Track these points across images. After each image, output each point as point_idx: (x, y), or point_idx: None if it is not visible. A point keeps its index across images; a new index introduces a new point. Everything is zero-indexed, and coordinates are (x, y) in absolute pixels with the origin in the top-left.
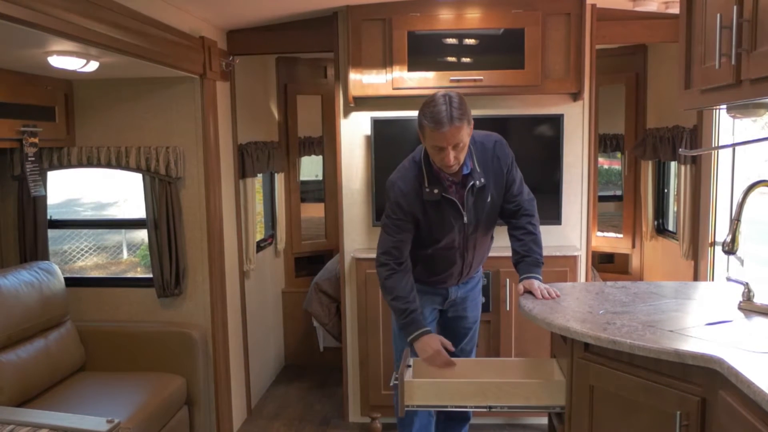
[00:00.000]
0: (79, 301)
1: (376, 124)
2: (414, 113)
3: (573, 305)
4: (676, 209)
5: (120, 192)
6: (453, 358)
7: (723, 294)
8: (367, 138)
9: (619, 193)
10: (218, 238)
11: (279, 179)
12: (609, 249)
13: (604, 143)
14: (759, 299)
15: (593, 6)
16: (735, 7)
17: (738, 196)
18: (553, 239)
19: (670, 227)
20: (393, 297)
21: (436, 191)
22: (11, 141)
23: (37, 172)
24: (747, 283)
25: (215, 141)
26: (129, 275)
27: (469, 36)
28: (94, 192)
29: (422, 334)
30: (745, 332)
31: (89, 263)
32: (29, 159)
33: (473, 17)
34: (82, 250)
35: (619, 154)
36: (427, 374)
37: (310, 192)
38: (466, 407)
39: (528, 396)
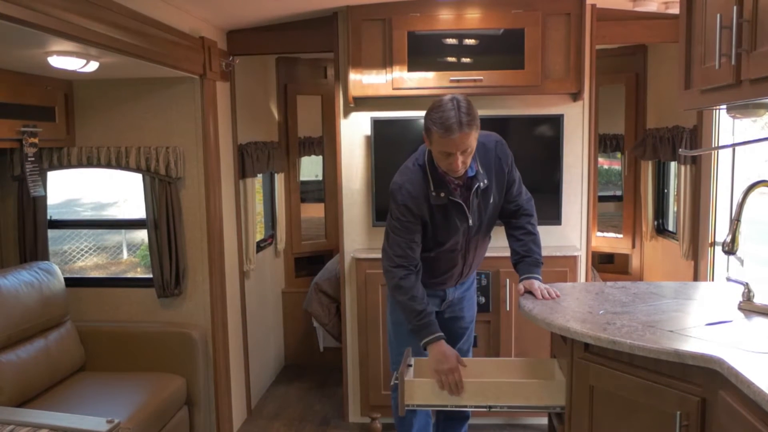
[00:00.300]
0: (79, 302)
1: (376, 124)
2: (414, 113)
3: (573, 305)
4: (676, 209)
5: (120, 192)
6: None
7: (723, 294)
8: (367, 138)
9: (619, 193)
10: (218, 239)
11: (279, 179)
12: (609, 249)
13: (604, 143)
14: (759, 299)
15: (593, 6)
16: (735, 7)
17: (738, 196)
18: (553, 239)
19: (670, 227)
20: (410, 297)
21: (442, 195)
22: (11, 141)
23: (37, 173)
24: (747, 284)
25: (215, 141)
26: (129, 275)
27: (469, 36)
28: (94, 192)
29: (438, 339)
30: (745, 332)
31: (89, 263)
32: (29, 159)
33: (473, 17)
34: (82, 250)
35: (619, 154)
36: (428, 374)
37: (310, 192)
38: (465, 407)
39: (528, 396)
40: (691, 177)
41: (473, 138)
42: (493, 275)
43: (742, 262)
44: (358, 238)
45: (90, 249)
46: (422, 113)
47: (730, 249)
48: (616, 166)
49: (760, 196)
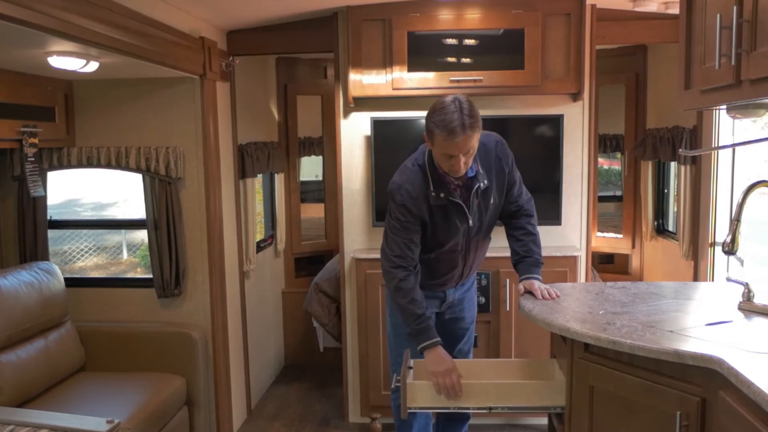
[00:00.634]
0: (79, 302)
1: (376, 124)
2: (414, 113)
3: (573, 305)
4: (676, 209)
5: (120, 192)
6: (462, 383)
7: (723, 294)
8: (367, 138)
9: (619, 193)
10: (218, 239)
11: (279, 179)
12: (609, 249)
13: (604, 143)
14: (759, 299)
15: (593, 6)
16: (735, 8)
17: (738, 197)
18: (553, 239)
19: (670, 227)
20: (409, 300)
21: (442, 195)
22: (11, 141)
23: (36, 173)
24: (747, 284)
25: (215, 141)
26: (129, 275)
27: (469, 36)
28: (94, 192)
29: (436, 344)
30: (745, 332)
31: (89, 263)
32: (29, 159)
33: (473, 17)
34: (82, 250)
35: (619, 155)
36: (427, 376)
37: (310, 192)
38: (466, 408)
39: (528, 396)
40: (691, 177)
41: (476, 139)
42: (493, 275)
43: (742, 262)
44: (358, 238)
45: (90, 249)
46: (422, 113)
47: (730, 249)
48: (616, 166)
49: (760, 196)
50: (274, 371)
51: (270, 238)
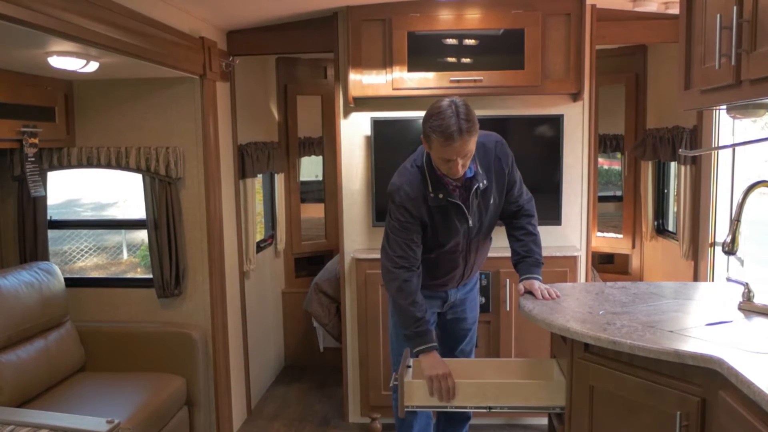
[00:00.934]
0: (79, 302)
1: (376, 124)
2: (414, 114)
3: (573, 306)
4: (676, 209)
5: (120, 192)
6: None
7: (723, 294)
8: (367, 138)
9: (619, 193)
10: (218, 239)
11: (279, 179)
12: (609, 249)
13: (604, 143)
14: (759, 299)
15: (593, 6)
16: (735, 8)
17: (738, 197)
18: (553, 239)
19: (670, 227)
20: (411, 302)
21: (441, 196)
22: (11, 141)
23: (37, 173)
24: (747, 284)
25: (215, 141)
26: (129, 276)
27: (469, 36)
28: (94, 192)
29: (432, 349)
30: (745, 332)
31: (89, 264)
32: (29, 159)
33: (473, 18)
34: (82, 250)
35: (619, 155)
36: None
37: (310, 192)
38: (465, 408)
39: (528, 396)
40: (691, 177)
41: (473, 142)
42: (493, 275)
43: (742, 262)
44: (358, 238)
45: (90, 249)
46: (422, 113)
47: (730, 249)
48: (616, 166)
49: (760, 196)
50: (274, 371)
51: (270, 238)
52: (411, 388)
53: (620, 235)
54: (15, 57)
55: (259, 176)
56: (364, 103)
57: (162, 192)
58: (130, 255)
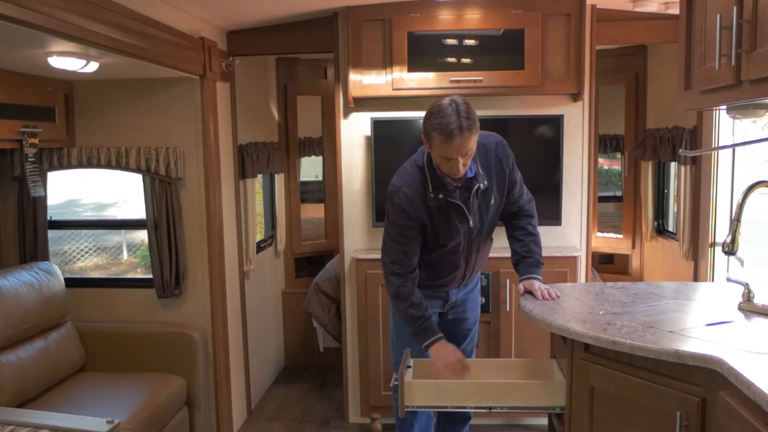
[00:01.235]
0: (79, 302)
1: (376, 124)
2: (414, 114)
3: (573, 306)
4: (676, 210)
5: (120, 192)
6: (467, 361)
7: (723, 294)
8: (367, 138)
9: (619, 193)
10: (218, 239)
11: (279, 180)
12: (609, 250)
13: (604, 144)
14: (759, 300)
15: (593, 7)
16: (735, 8)
17: (738, 197)
18: (553, 240)
19: (670, 228)
20: (409, 305)
21: (441, 196)
22: (11, 142)
23: (37, 173)
24: (747, 284)
25: (215, 142)
26: (129, 276)
27: (469, 37)
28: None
29: (438, 340)
30: (745, 333)
31: (89, 264)
32: (29, 159)
33: (473, 18)
34: (82, 250)
35: (619, 155)
36: (427, 375)
37: (310, 192)
38: (465, 408)
39: (528, 397)
40: (691, 177)
41: (473, 141)
42: (494, 276)
43: (742, 262)
44: (358, 238)
45: (90, 249)
46: (422, 113)
47: (730, 249)
48: (616, 166)
49: (760, 196)
50: (274, 371)
51: (270, 238)
52: (411, 388)
53: (620, 236)
54: (15, 57)
55: (259, 176)
56: (364, 103)
57: (162, 192)
58: (130, 255)
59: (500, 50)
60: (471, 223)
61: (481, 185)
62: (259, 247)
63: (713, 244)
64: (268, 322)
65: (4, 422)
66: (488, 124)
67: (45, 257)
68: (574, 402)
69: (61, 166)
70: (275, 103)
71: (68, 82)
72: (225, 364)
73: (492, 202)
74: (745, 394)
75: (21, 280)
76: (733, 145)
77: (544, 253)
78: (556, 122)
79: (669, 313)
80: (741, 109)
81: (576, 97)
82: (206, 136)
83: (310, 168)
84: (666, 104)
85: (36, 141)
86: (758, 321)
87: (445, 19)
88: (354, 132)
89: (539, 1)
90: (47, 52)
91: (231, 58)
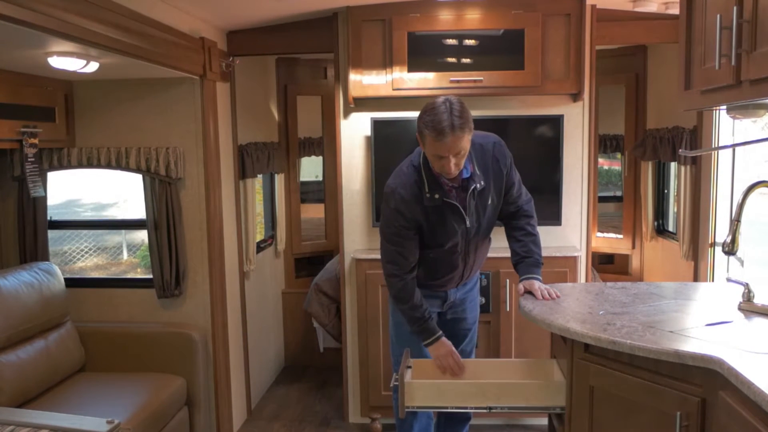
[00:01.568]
0: (79, 302)
1: (376, 124)
2: (414, 114)
3: (573, 306)
4: (676, 210)
5: (120, 193)
6: (463, 361)
7: (723, 295)
8: (367, 139)
9: (619, 193)
10: (218, 239)
11: (279, 180)
12: (609, 250)
13: (604, 144)
14: (759, 300)
15: (593, 7)
16: (735, 8)
17: (738, 197)
18: (553, 240)
19: (670, 228)
20: (409, 306)
21: (437, 196)
22: (11, 142)
23: (37, 173)
24: (747, 284)
25: (215, 142)
26: (129, 276)
27: (469, 37)
28: (94, 193)
29: (437, 339)
30: (745, 333)
31: (89, 264)
32: (29, 160)
33: (473, 18)
34: (82, 250)
35: (619, 155)
36: (428, 375)
37: (310, 193)
38: (466, 408)
39: (528, 397)
40: (691, 177)
41: (466, 140)
42: (494, 276)
43: (742, 262)
44: (358, 238)
45: (90, 249)
46: None
47: (730, 249)
48: (616, 166)
49: (760, 196)
50: (274, 371)
51: (270, 238)
52: (411, 388)
53: (620, 236)
54: (15, 57)
55: (259, 176)
56: (364, 103)
57: (162, 192)
58: (130, 255)
59: (500, 50)
60: (468, 223)
61: (478, 185)
62: (259, 247)
63: (713, 244)
64: (268, 322)
65: (4, 422)
66: (488, 124)
67: (45, 257)
68: (574, 402)
69: (61, 166)
70: (275, 103)
71: (68, 82)
72: (225, 364)
73: (489, 202)
74: (745, 394)
75: (21, 280)
76: (733, 145)
77: (544, 253)
78: (556, 122)
79: (669, 313)
80: (741, 109)
81: (576, 97)
82: (206, 136)
83: (310, 168)
84: (666, 104)
85: (36, 141)
86: (758, 321)
87: (445, 19)
88: (354, 132)
89: (539, 1)
90: (47, 52)
91: (231, 58)
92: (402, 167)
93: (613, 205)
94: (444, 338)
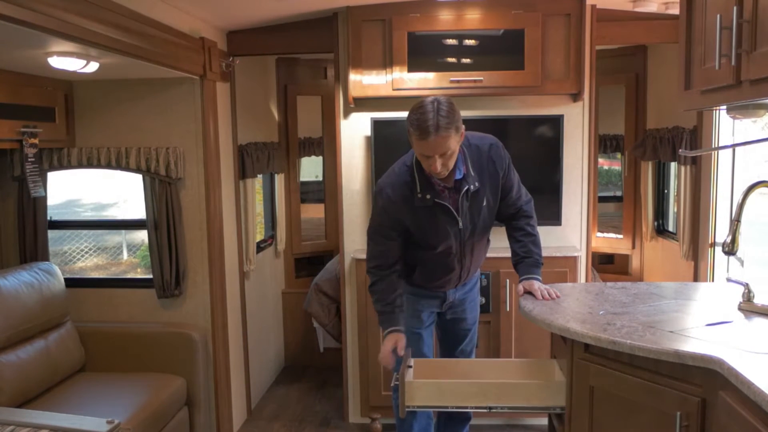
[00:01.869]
0: (79, 302)
1: (376, 124)
2: None
3: (573, 306)
4: (676, 210)
5: (120, 193)
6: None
7: (723, 295)
8: (367, 139)
9: (619, 193)
10: (218, 239)
11: (279, 180)
12: (609, 250)
13: (604, 144)
14: (759, 300)
15: (593, 7)
16: (735, 8)
17: (738, 197)
18: (553, 240)
19: (670, 228)
20: (375, 300)
21: (428, 197)
22: (11, 142)
23: (37, 173)
24: (747, 284)
25: (215, 142)
26: (129, 276)
27: (469, 37)
28: (94, 193)
29: (391, 332)
30: (745, 333)
31: (89, 264)
32: (29, 160)
33: (473, 18)
34: (82, 250)
35: (619, 155)
36: (429, 375)
37: (310, 192)
38: (466, 408)
39: (528, 397)
40: (691, 177)
41: (452, 141)
42: (493, 276)
43: (742, 262)
44: (358, 238)
45: (90, 249)
46: None
47: (730, 249)
48: (616, 166)
49: (760, 196)
50: (274, 371)
51: (270, 238)
52: (412, 388)
53: (620, 236)
54: (15, 57)
55: (259, 176)
56: (364, 103)
57: (162, 192)
58: (130, 255)
59: (500, 50)
60: (461, 224)
61: (471, 187)
62: (259, 247)
63: (713, 244)
64: (268, 322)
65: (4, 422)
66: (488, 124)
67: (45, 257)
68: (574, 402)
69: (61, 166)
70: (275, 103)
71: (68, 82)
72: (225, 364)
73: (484, 204)
74: (745, 394)
75: (21, 280)
76: (733, 145)
77: (544, 253)
78: (556, 122)
79: (669, 313)
80: (741, 109)
81: (576, 97)
82: (206, 136)
83: (310, 168)
84: (666, 104)
85: (36, 141)
86: (758, 321)
87: (445, 19)
88: (354, 132)
89: (539, 1)
90: (47, 52)
91: (231, 58)
92: (395, 167)
93: (613, 205)
94: (394, 334)
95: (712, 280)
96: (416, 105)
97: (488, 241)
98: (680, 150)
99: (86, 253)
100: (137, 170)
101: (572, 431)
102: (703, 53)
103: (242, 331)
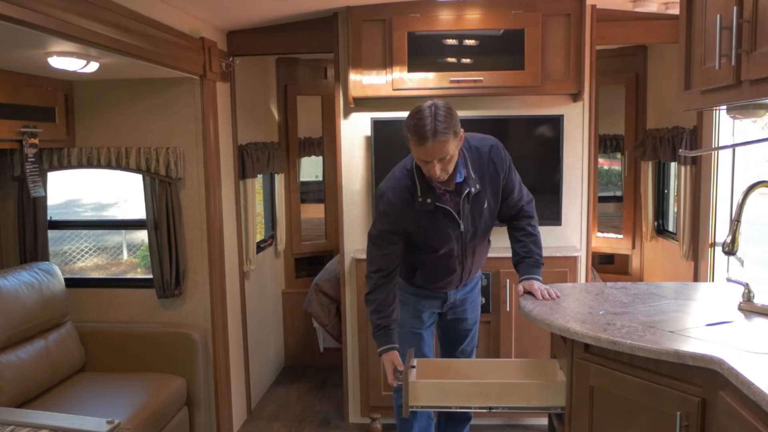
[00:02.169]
0: (79, 302)
1: (376, 124)
2: None
3: (573, 306)
4: (676, 210)
5: (120, 193)
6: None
7: (723, 295)
8: (367, 139)
9: (619, 193)
10: (218, 239)
11: (279, 180)
12: (609, 250)
13: (604, 144)
14: (759, 300)
15: (593, 7)
16: (735, 8)
17: (738, 197)
18: (553, 240)
19: (670, 228)
20: (372, 310)
21: (429, 201)
22: (11, 142)
23: (37, 173)
24: (747, 284)
25: (215, 142)
26: (129, 276)
27: (469, 37)
28: (94, 193)
29: (387, 350)
30: (745, 333)
31: (89, 264)
32: (29, 160)
33: (473, 18)
34: (82, 250)
35: (619, 155)
36: (430, 375)
37: (310, 193)
38: (469, 408)
39: (528, 397)
40: (691, 177)
41: (450, 145)
42: (494, 276)
43: (742, 262)
44: (358, 238)
45: (90, 250)
46: None
47: (730, 249)
48: (616, 166)
49: (760, 196)
50: (274, 371)
51: (270, 238)
52: (415, 388)
53: (620, 236)
54: (15, 57)
55: (259, 176)
56: (364, 103)
57: (162, 192)
58: (130, 255)
59: (500, 50)
60: (462, 227)
61: (472, 189)
62: (259, 247)
63: (713, 244)
64: (268, 322)
65: (4, 422)
66: (488, 124)
67: (45, 257)
68: (574, 402)
69: (61, 166)
70: (275, 103)
71: (68, 82)
72: (225, 364)
73: (485, 206)
74: (745, 394)
75: (21, 280)
76: (733, 145)
77: (545, 253)
78: (556, 122)
79: (669, 313)
80: (741, 109)
81: (576, 97)
82: (206, 136)
83: (310, 168)
84: (666, 104)
85: (36, 141)
86: (758, 321)
87: (445, 19)
88: (354, 132)
89: (539, 1)
90: (47, 52)
91: (231, 58)
92: (395, 171)
93: (613, 205)
94: (392, 352)
95: (712, 280)
96: (413, 110)
97: (489, 241)
98: (680, 150)
99: (86, 253)
100: (137, 170)
101: (572, 431)
102: (703, 53)
103: (242, 331)
